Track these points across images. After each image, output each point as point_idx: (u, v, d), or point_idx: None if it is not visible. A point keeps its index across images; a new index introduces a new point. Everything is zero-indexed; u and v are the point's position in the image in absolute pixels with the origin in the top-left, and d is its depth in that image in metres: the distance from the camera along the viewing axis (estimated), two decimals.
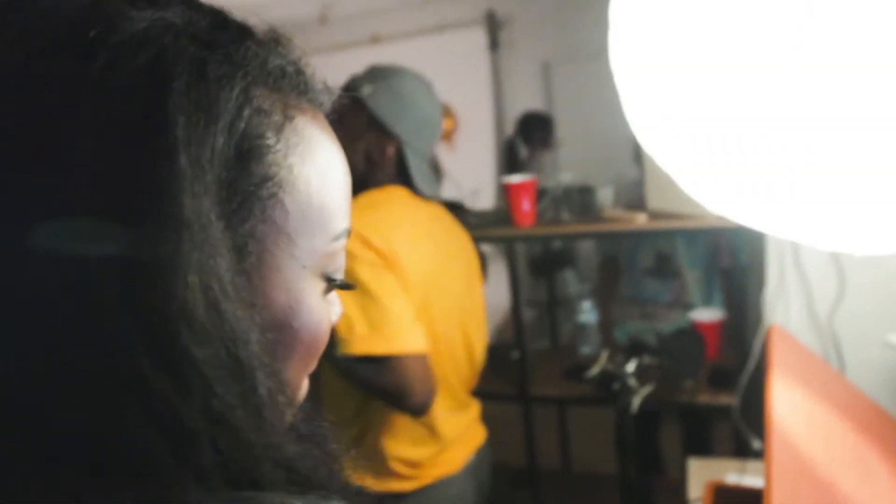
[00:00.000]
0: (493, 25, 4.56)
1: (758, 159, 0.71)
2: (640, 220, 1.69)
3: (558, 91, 4.67)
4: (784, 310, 1.59)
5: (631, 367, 1.61)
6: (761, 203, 0.74)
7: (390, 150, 1.24)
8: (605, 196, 1.85)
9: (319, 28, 4.57)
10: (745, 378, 1.62)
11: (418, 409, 1.15)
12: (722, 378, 1.79)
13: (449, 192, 2.26)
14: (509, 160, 4.03)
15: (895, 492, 0.83)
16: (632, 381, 1.60)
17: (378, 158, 1.24)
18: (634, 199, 1.90)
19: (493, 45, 4.59)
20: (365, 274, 1.13)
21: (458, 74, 4.71)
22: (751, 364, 1.61)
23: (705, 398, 1.74)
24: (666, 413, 2.25)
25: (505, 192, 1.78)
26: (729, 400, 1.71)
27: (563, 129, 4.71)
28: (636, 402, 1.61)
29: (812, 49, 0.58)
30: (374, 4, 4.47)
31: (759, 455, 1.65)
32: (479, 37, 4.60)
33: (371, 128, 1.23)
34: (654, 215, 1.72)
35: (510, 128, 4.73)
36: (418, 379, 1.13)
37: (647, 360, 1.73)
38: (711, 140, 0.71)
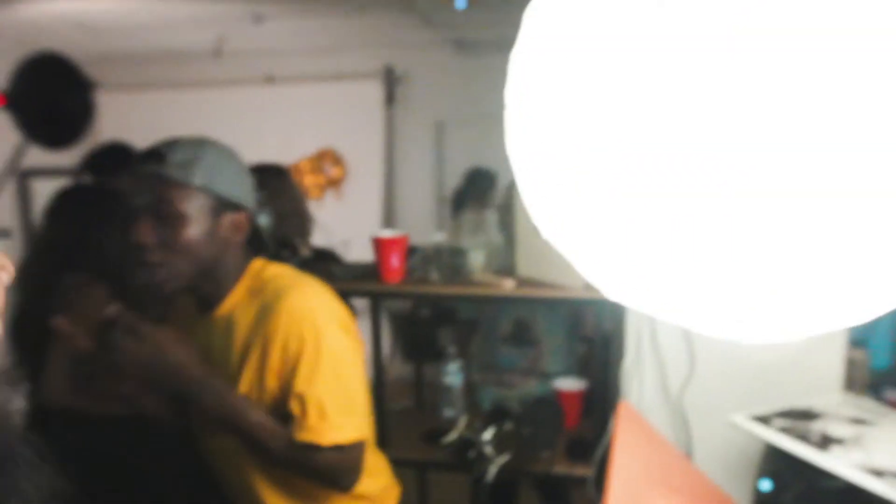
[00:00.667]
0: (391, 80, 4.59)
1: (638, 234, 0.68)
2: (508, 285, 1.69)
3: (449, 150, 4.74)
4: (639, 384, 1.61)
5: (488, 434, 1.57)
6: (648, 289, 0.72)
7: (244, 225, 1.19)
8: (475, 259, 1.84)
9: (214, 61, 4.43)
10: (600, 450, 1.63)
11: (352, 486, 1.20)
12: (580, 448, 1.79)
13: (321, 241, 2.18)
14: (455, 212, 3.91)
15: None
16: (488, 450, 1.56)
17: (234, 236, 1.18)
18: (506, 264, 1.90)
19: (389, 99, 4.62)
20: (353, 365, 1.18)
21: (352, 124, 4.70)
22: (606, 436, 1.62)
23: (563, 468, 1.72)
24: (524, 482, 2.23)
25: (375, 247, 1.74)
26: (586, 471, 1.71)
27: (450, 186, 4.78)
28: (492, 470, 1.56)
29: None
30: (271, 43, 4.40)
31: None
32: (375, 90, 4.62)
33: (222, 209, 1.15)
34: (523, 282, 1.73)
35: (398, 181, 4.74)
36: (362, 459, 1.20)
37: (507, 427, 1.70)
38: (584, 207, 0.68)
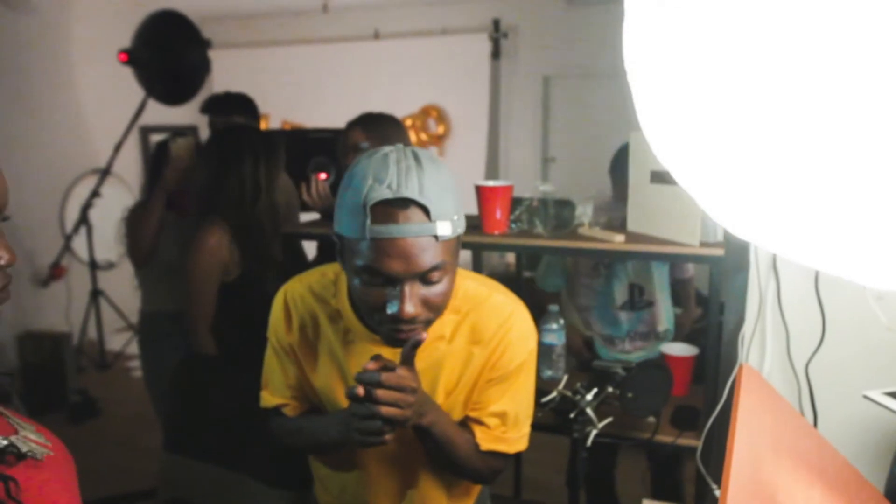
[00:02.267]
0: (498, 34, 4.47)
1: (778, 179, 0.63)
2: (617, 239, 1.59)
3: (555, 106, 4.59)
4: (759, 351, 1.49)
5: (590, 396, 1.51)
6: (779, 224, 0.66)
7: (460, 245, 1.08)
8: (583, 213, 1.75)
9: (321, 17, 4.47)
10: (710, 420, 1.52)
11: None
12: (688, 417, 1.69)
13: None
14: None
15: None
16: (590, 411, 1.49)
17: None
18: (613, 219, 1.80)
19: (496, 53, 4.50)
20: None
21: (457, 79, 4.63)
22: (718, 405, 1.51)
23: (668, 436, 1.63)
24: (627, 450, 2.14)
25: (478, 196, 1.68)
26: (693, 441, 1.61)
27: (556, 144, 4.63)
28: (592, 433, 1.50)
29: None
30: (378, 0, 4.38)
31: (717, 502, 1.54)
32: (482, 44, 4.51)
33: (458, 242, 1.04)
34: (633, 238, 1.62)
35: (502, 138, 4.64)
36: None
37: (611, 390, 1.62)
38: (731, 157, 0.63)
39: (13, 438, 0.75)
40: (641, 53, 0.71)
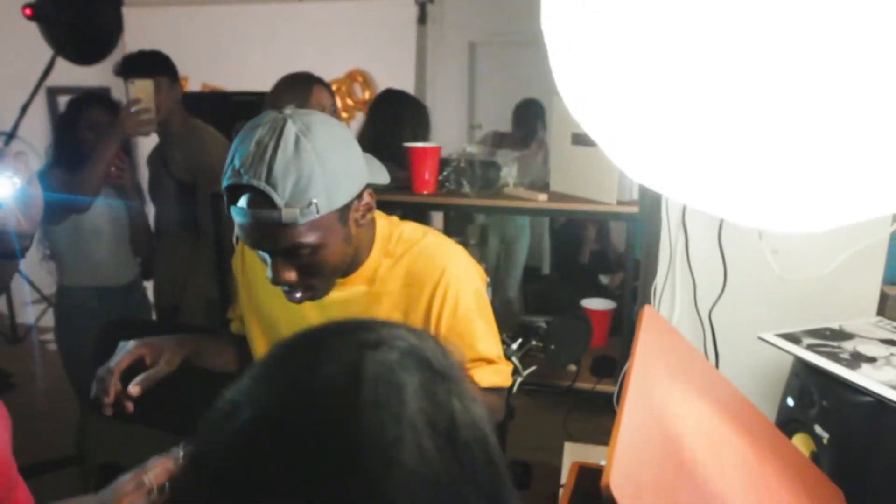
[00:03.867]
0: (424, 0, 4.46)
1: (684, 132, 0.68)
2: (541, 198, 1.66)
3: (481, 72, 4.64)
4: (669, 302, 1.60)
5: (515, 346, 1.59)
6: (685, 174, 0.72)
7: (370, 202, 1.07)
8: (508, 173, 1.81)
9: None
10: (626, 366, 1.63)
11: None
12: (606, 366, 1.80)
13: None
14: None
15: (739, 471, 0.82)
16: (515, 360, 1.57)
17: (365, 218, 1.07)
18: (537, 180, 1.87)
19: (422, 18, 4.49)
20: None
21: (383, 44, 4.60)
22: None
23: (587, 384, 1.74)
24: (548, 397, 2.26)
25: (407, 156, 1.72)
26: (611, 387, 1.72)
27: (481, 109, 4.70)
28: (518, 381, 1.58)
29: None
30: None
31: None
32: (408, 9, 4.49)
33: (348, 208, 1.03)
34: (556, 197, 1.70)
35: (429, 104, 4.66)
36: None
37: (533, 343, 1.71)
38: (642, 114, 0.68)
39: None
40: (557, 15, 0.75)
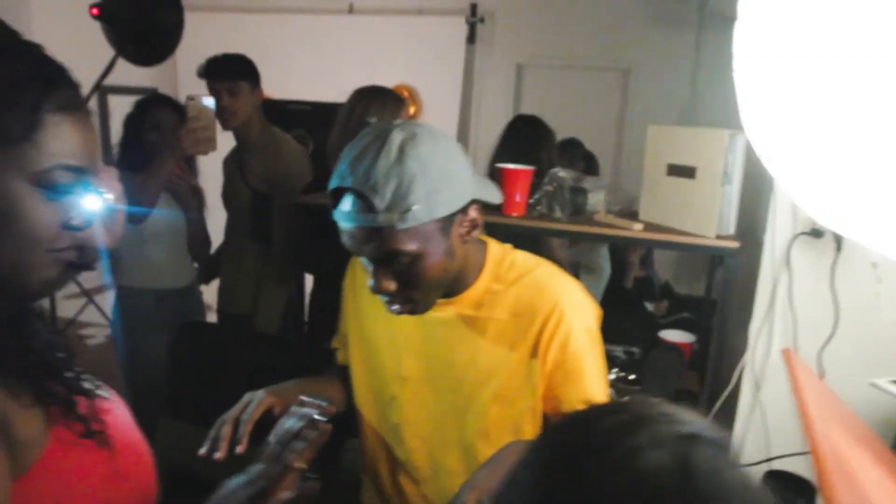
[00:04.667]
0: (474, 18, 4.47)
1: (866, 177, 0.68)
2: (637, 227, 1.65)
3: (528, 93, 4.64)
4: (766, 340, 1.58)
5: (611, 377, 1.56)
6: (865, 214, 0.72)
7: (477, 218, 1.04)
8: (596, 199, 1.80)
9: None
10: (720, 401, 1.60)
11: None
12: (686, 400, 1.77)
13: None
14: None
15: None
16: (612, 394, 1.54)
17: (471, 234, 1.04)
18: (624, 208, 1.86)
19: (471, 37, 4.51)
20: None
21: (431, 61, 4.61)
22: (727, 389, 1.59)
23: None
24: None
25: (499, 177, 1.70)
26: None
27: None
28: None
29: None
30: None
31: None
32: (457, 27, 4.50)
33: (451, 220, 1.01)
34: (650, 227, 1.69)
35: (473, 123, 4.67)
36: None
37: (613, 374, 1.69)
38: (828, 159, 0.69)
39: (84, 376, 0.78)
40: (750, 66, 0.75)
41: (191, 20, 4.33)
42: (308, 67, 4.53)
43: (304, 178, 2.38)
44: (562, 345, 1.06)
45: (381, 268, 0.98)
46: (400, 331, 1.14)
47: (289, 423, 0.73)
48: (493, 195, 1.05)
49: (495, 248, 1.12)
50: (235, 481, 0.65)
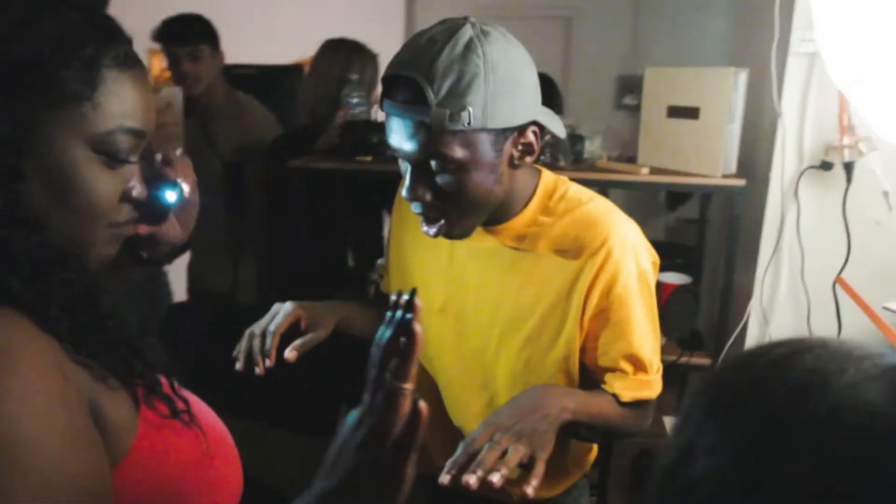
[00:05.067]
0: None
1: None
2: (644, 171, 1.64)
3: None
4: (774, 273, 1.61)
5: None
6: None
7: (533, 143, 0.94)
8: (594, 146, 1.79)
9: None
10: (732, 337, 1.65)
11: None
12: (694, 339, 1.80)
13: None
14: None
15: None
16: None
17: (524, 160, 0.95)
18: (623, 153, 1.86)
19: None
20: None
21: (371, 15, 4.46)
22: (739, 325, 1.63)
23: (681, 358, 1.74)
24: None
25: None
26: (703, 360, 1.74)
27: None
28: None
29: None
30: None
31: None
32: None
33: (505, 137, 0.92)
34: (655, 171, 1.69)
35: None
36: None
37: None
38: None
39: None
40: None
41: None
42: (236, 29, 4.30)
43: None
44: (606, 289, 0.96)
45: (420, 173, 0.90)
46: (434, 260, 1.07)
47: (378, 335, 0.65)
48: (558, 127, 0.95)
49: (548, 178, 1.02)
50: (347, 426, 0.60)
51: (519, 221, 0.99)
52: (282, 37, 4.32)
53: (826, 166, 1.47)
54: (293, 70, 4.02)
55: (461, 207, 0.92)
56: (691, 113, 1.63)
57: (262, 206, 2.17)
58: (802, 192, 1.53)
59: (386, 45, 3.63)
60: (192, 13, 2.13)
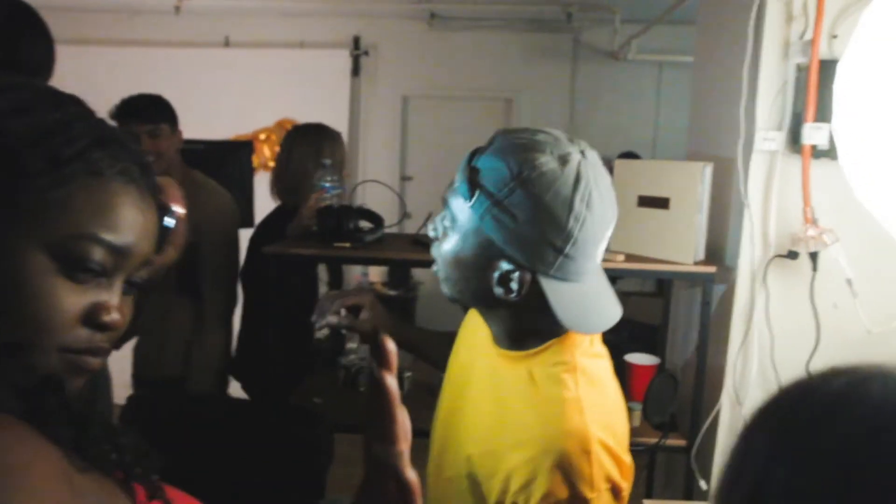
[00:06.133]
0: (358, 51, 4.45)
1: None
2: (619, 258, 1.69)
3: (414, 125, 4.67)
4: (743, 358, 1.67)
5: None
6: None
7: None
8: None
9: (171, 18, 4.11)
10: (707, 421, 1.68)
11: None
12: (670, 421, 1.83)
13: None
14: None
15: None
16: None
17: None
18: None
19: (356, 70, 4.47)
20: None
21: (316, 94, 4.51)
22: (715, 407, 1.67)
23: (653, 438, 1.76)
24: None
25: None
26: (678, 441, 1.76)
27: (413, 162, 4.72)
28: None
29: None
30: (231, 4, 4.14)
31: (706, 496, 1.70)
32: (342, 60, 4.46)
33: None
34: (630, 258, 1.74)
35: (361, 156, 4.62)
36: None
37: None
38: None
39: None
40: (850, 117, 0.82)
41: (59, 53, 3.93)
42: (185, 103, 4.26)
43: (235, 225, 2.22)
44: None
45: None
46: (458, 364, 1.04)
47: None
48: (580, 323, 0.85)
49: (575, 338, 0.89)
50: None
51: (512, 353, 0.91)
52: (227, 113, 4.32)
53: (792, 255, 1.56)
54: (242, 145, 4.00)
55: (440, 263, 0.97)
56: (662, 203, 1.70)
57: (217, 287, 2.11)
58: (771, 278, 1.61)
59: (331, 122, 3.70)
60: (149, 93, 2.10)
